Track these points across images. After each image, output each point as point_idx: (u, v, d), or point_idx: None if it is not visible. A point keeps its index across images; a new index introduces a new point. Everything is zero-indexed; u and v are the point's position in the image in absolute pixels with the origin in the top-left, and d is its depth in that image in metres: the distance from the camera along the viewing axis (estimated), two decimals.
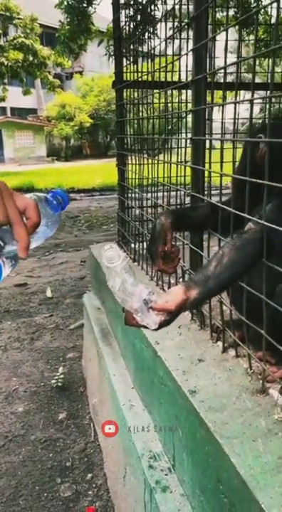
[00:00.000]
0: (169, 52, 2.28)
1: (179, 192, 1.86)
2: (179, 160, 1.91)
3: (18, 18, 17.46)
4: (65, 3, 9.29)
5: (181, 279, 1.76)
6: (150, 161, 2.12)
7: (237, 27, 1.31)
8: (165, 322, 1.01)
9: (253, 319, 1.23)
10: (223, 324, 1.40)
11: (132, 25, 2.74)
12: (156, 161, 2.03)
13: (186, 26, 1.84)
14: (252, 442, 1.01)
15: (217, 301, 1.42)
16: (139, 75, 2.34)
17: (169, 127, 2.13)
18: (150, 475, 1.43)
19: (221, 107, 1.43)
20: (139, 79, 2.34)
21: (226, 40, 1.22)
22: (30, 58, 17.46)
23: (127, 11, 2.82)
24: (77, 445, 2.45)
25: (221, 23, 3.89)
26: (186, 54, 1.55)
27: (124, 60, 2.68)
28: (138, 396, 1.83)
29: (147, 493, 1.44)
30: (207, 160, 1.52)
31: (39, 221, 0.65)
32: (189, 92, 1.59)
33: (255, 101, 1.17)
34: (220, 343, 1.44)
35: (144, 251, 2.40)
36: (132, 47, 2.56)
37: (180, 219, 1.40)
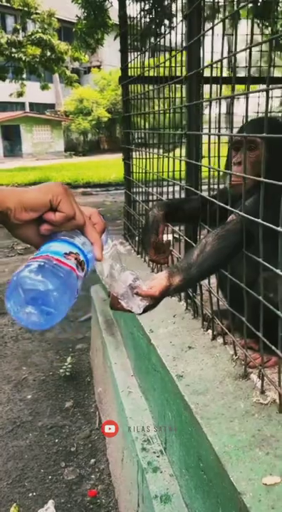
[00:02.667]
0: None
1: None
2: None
3: (36, 13, 17.58)
4: None
5: None
6: (151, 155, 2.16)
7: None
8: (149, 307, 1.07)
9: (240, 307, 1.27)
10: (212, 313, 1.45)
11: (142, 20, 2.78)
12: (156, 156, 2.08)
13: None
14: (229, 422, 1.06)
15: (206, 291, 1.47)
16: (151, 69, 2.37)
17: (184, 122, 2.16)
18: (143, 457, 1.49)
19: (217, 102, 1.47)
20: (145, 74, 2.39)
21: (224, 34, 1.26)
22: (48, 53, 17.58)
23: (142, 4, 2.85)
24: (82, 432, 2.53)
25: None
26: (182, 51, 1.59)
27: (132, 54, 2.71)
28: (136, 383, 1.89)
29: (139, 474, 1.51)
30: (206, 154, 1.56)
31: (105, 225, 0.70)
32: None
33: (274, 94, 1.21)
34: (210, 332, 1.49)
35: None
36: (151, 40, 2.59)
37: (173, 211, 1.45)
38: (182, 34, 2.22)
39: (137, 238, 2.65)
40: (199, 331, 1.53)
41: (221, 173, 1.45)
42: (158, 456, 1.48)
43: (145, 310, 1.05)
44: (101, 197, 11.82)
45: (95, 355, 3.00)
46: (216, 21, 1.35)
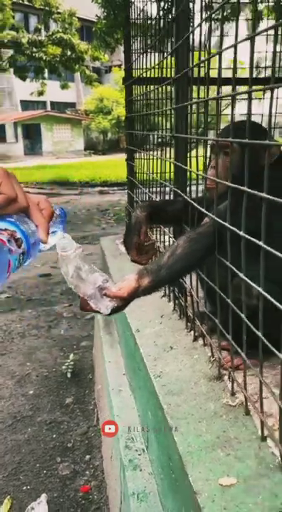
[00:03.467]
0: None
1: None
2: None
3: (58, 13, 17.74)
4: None
5: None
6: (147, 156, 2.18)
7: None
8: (118, 308, 1.09)
9: (218, 310, 1.28)
10: (193, 314, 1.46)
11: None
12: (151, 157, 2.10)
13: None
14: (197, 423, 1.08)
15: (188, 293, 1.48)
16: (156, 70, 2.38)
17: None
18: (125, 454, 1.51)
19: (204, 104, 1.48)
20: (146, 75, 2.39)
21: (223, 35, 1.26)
22: (68, 53, 17.72)
23: (162, 4, 2.86)
24: (80, 428, 2.57)
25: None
26: (171, 53, 1.60)
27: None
28: (127, 382, 1.92)
29: (121, 471, 1.53)
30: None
31: (53, 211, 0.71)
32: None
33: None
34: (192, 333, 1.50)
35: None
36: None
37: (156, 212, 1.46)
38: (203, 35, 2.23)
39: None
40: (183, 332, 1.55)
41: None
42: (139, 455, 1.50)
43: (114, 311, 1.07)
44: (117, 196, 11.87)
45: (96, 353, 3.04)
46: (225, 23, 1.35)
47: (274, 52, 0.77)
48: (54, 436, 2.51)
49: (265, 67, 3.23)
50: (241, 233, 0.91)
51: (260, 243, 0.83)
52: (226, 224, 1.00)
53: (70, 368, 3.09)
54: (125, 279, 1.14)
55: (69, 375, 3.06)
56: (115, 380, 1.95)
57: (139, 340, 1.56)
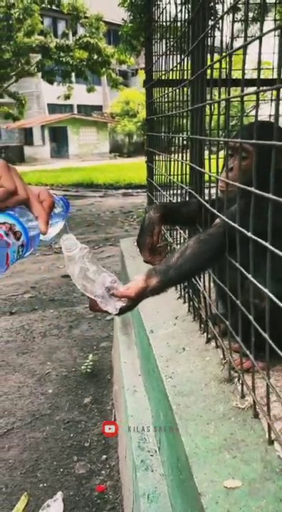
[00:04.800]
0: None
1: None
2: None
3: (85, 17, 17.95)
4: (128, 0, 9.49)
5: None
6: (165, 157, 2.18)
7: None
8: (127, 308, 1.09)
9: (229, 312, 1.28)
10: (206, 316, 1.45)
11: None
12: (169, 159, 2.10)
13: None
14: (205, 425, 1.07)
15: (202, 295, 1.48)
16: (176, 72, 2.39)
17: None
18: (137, 455, 1.52)
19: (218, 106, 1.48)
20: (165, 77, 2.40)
21: (222, 36, 1.26)
22: (95, 57, 17.90)
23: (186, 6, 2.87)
24: (97, 428, 2.58)
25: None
26: (187, 55, 1.61)
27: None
28: (142, 383, 1.92)
29: (133, 472, 1.53)
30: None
31: (53, 201, 0.71)
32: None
33: None
34: (205, 335, 1.50)
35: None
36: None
37: (169, 213, 1.47)
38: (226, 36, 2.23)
39: None
40: (196, 334, 1.54)
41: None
42: (152, 455, 1.50)
43: (122, 311, 1.08)
44: (141, 198, 11.87)
45: (115, 353, 3.05)
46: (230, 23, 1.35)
47: (280, 53, 0.76)
48: (71, 435, 2.53)
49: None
50: (249, 234, 0.90)
51: (267, 244, 0.82)
52: (235, 225, 0.99)
53: (89, 368, 3.11)
54: (134, 279, 1.15)
55: (88, 374, 3.09)
56: (131, 381, 1.96)
57: (153, 341, 1.57)
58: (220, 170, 1.46)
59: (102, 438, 2.50)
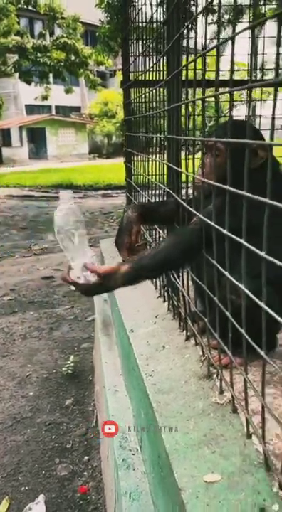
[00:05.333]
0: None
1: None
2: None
3: (62, 18, 17.85)
4: (105, 2, 9.49)
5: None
6: (143, 158, 2.19)
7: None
8: (94, 287, 1.12)
9: (207, 309, 1.29)
10: (185, 314, 1.46)
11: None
12: (147, 159, 2.11)
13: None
14: (185, 421, 1.08)
15: (180, 292, 1.49)
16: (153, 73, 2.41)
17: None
18: (119, 454, 1.52)
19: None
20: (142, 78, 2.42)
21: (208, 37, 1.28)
22: (72, 57, 17.82)
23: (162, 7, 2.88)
24: (79, 429, 2.58)
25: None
26: (163, 56, 1.62)
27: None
28: (123, 382, 1.92)
29: (115, 471, 1.53)
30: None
31: None
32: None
33: None
34: (185, 332, 1.51)
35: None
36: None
37: (148, 213, 1.47)
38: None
39: None
40: (176, 332, 1.55)
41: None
42: (133, 454, 1.51)
43: (89, 291, 1.11)
44: (121, 199, 11.86)
45: (96, 354, 3.05)
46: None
47: (252, 53, 0.78)
48: (53, 437, 2.52)
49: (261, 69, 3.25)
50: (225, 231, 0.92)
51: (242, 241, 0.84)
52: (211, 223, 1.01)
53: (70, 369, 3.10)
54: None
55: (69, 376, 3.08)
56: (112, 381, 1.96)
57: (133, 340, 1.58)
58: (196, 170, 1.47)
59: (84, 439, 2.50)
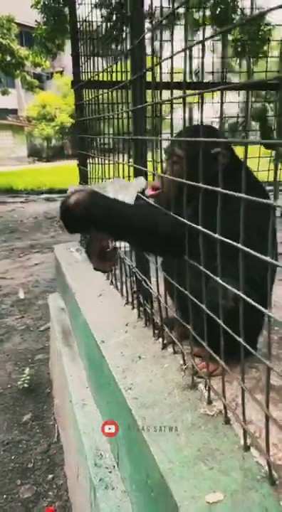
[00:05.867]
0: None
1: None
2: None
3: None
4: (41, 2, 9.28)
5: (129, 278, 1.78)
6: (106, 160, 2.12)
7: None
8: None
9: (188, 315, 1.25)
10: (162, 321, 1.41)
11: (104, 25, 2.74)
12: (108, 161, 2.04)
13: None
14: (176, 437, 1.03)
15: (155, 299, 1.44)
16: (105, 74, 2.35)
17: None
18: (95, 473, 1.44)
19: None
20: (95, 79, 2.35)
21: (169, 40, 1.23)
22: (8, 58, 17.29)
23: (102, 11, 2.81)
24: (40, 446, 2.45)
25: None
26: (127, 55, 1.56)
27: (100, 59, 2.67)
28: (91, 395, 1.84)
29: (92, 491, 1.45)
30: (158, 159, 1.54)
31: None
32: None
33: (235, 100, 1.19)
34: (161, 340, 1.46)
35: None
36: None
37: None
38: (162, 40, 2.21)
39: None
40: (150, 340, 1.50)
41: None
42: (110, 472, 1.43)
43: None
44: None
45: (53, 365, 2.92)
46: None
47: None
48: (12, 457, 2.37)
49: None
50: (217, 236, 0.88)
51: (239, 245, 0.80)
52: (188, 222, 0.96)
53: (26, 382, 2.95)
54: None
55: (25, 390, 2.93)
56: (79, 395, 1.87)
57: (105, 351, 1.50)
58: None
59: (46, 457, 2.37)
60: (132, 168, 1.61)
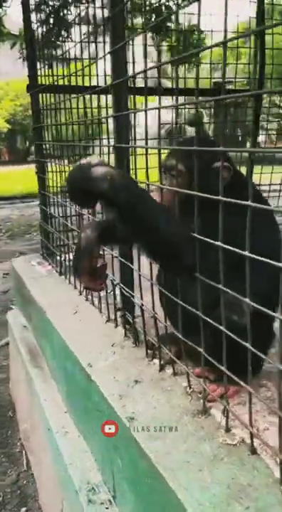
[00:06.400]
0: (85, 56, 2.23)
1: None
2: None
3: None
4: None
5: (111, 293, 1.67)
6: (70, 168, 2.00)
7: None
8: None
9: (190, 332, 1.17)
10: (158, 340, 1.32)
11: (44, 29, 2.61)
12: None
13: (102, 30, 1.75)
14: (198, 472, 0.94)
15: (151, 317, 1.35)
16: (55, 78, 2.24)
17: (90, 132, 2.05)
18: (90, 511, 1.32)
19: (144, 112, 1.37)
20: (55, 83, 2.23)
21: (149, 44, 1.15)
22: None
23: (39, 15, 2.68)
24: (8, 477, 2.26)
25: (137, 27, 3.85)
26: (104, 57, 1.46)
27: (39, 63, 2.55)
28: (72, 421, 1.71)
29: None
30: (132, 166, 1.46)
31: None
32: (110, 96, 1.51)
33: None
34: (156, 361, 1.37)
35: (69, 263, 2.29)
36: (45, 51, 2.43)
37: (108, 232, 1.31)
38: (97, 43, 2.12)
39: (58, 257, 2.46)
40: (144, 361, 1.40)
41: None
42: (107, 508, 1.32)
43: None
44: (6, 210, 11.24)
45: (17, 387, 2.73)
46: None
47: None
48: None
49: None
50: (221, 245, 0.80)
51: (246, 252, 0.73)
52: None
53: None
54: None
55: None
56: (58, 421, 1.73)
57: (95, 376, 1.38)
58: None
59: (16, 488, 2.20)
60: None
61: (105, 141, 2.37)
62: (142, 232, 1.10)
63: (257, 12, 2.89)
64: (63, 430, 1.68)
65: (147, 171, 1.31)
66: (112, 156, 1.67)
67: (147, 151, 1.23)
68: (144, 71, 1.21)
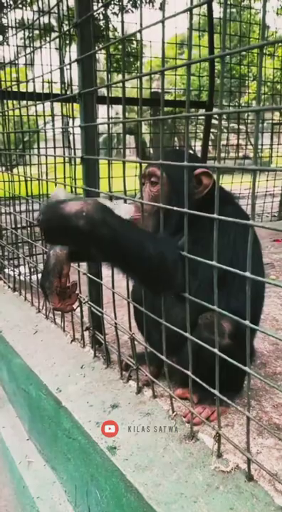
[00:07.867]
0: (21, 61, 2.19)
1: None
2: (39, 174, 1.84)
3: None
4: None
5: (79, 313, 1.59)
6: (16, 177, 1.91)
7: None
8: None
9: (170, 352, 1.13)
10: (136, 361, 1.26)
11: None
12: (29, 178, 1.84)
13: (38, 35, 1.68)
14: (193, 504, 0.89)
15: (129, 338, 1.29)
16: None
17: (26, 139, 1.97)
18: None
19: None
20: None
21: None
22: None
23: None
24: None
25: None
26: (70, 64, 1.40)
27: None
28: (36, 449, 1.60)
29: None
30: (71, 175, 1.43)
31: None
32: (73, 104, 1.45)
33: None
34: (132, 383, 1.31)
35: (25, 278, 2.17)
36: None
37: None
38: (34, 49, 2.03)
39: (7, 271, 2.33)
40: (118, 383, 1.33)
41: None
42: None
43: None
44: None
45: None
46: None
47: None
48: None
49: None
50: (214, 263, 0.77)
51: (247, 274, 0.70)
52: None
53: None
54: None
55: None
56: (19, 451, 1.62)
57: (66, 401, 1.30)
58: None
59: None
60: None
61: (42, 151, 2.34)
62: (127, 262, 1.04)
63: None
64: (27, 460, 1.57)
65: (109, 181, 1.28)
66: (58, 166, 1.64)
67: (124, 163, 1.18)
68: (122, 81, 1.16)
